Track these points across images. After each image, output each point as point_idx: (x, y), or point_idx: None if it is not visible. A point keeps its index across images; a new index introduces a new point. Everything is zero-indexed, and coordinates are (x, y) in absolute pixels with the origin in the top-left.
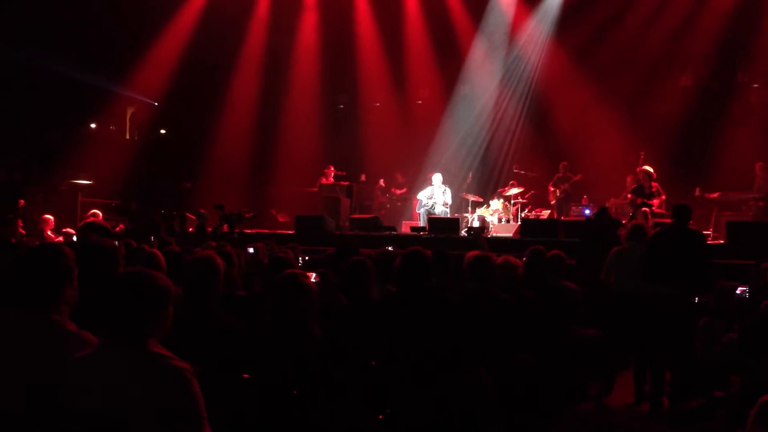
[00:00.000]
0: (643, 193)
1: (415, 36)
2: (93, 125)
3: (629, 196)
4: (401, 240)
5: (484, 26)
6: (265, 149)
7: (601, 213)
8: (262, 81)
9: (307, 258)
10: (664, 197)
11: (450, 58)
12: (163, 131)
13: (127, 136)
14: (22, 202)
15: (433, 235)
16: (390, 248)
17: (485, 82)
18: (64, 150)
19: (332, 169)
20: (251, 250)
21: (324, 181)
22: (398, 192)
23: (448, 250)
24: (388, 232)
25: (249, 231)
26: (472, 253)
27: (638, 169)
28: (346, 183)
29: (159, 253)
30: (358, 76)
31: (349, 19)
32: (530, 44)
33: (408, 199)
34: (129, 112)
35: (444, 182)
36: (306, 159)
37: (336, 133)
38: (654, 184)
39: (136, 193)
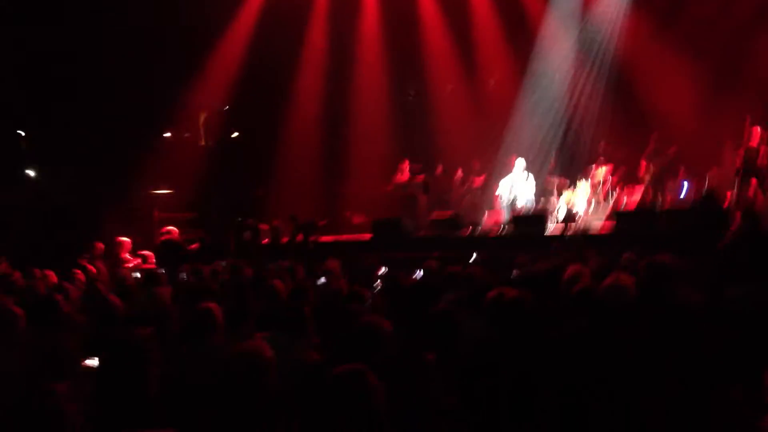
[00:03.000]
0: (752, 159)
1: (481, 14)
2: (167, 134)
3: (738, 160)
4: (482, 243)
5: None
6: (335, 148)
7: (709, 199)
8: (327, 76)
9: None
10: None
11: (520, 34)
12: (235, 134)
13: (202, 143)
14: (100, 247)
15: (519, 232)
16: (474, 255)
17: (561, 57)
18: (139, 162)
19: (407, 163)
20: (322, 280)
21: (399, 177)
22: (477, 180)
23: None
24: (469, 229)
25: (325, 239)
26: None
27: (745, 132)
28: (422, 178)
29: None
30: (426, 63)
31: (412, 2)
32: (608, 11)
33: (489, 187)
34: (202, 117)
35: (526, 168)
36: (379, 154)
37: (407, 124)
38: (766, 149)
39: (212, 203)
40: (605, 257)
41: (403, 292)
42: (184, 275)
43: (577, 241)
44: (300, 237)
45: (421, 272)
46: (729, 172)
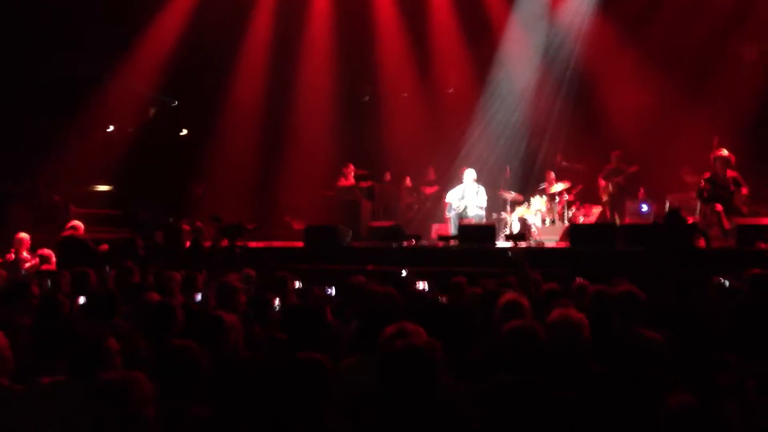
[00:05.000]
0: (717, 184)
1: (441, 15)
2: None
3: (702, 184)
4: (425, 255)
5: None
6: (278, 149)
7: (673, 216)
8: (271, 72)
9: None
10: (746, 191)
11: (482, 40)
12: (184, 132)
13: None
14: None
15: (465, 246)
16: (404, 272)
17: (522, 64)
18: (62, 155)
19: (352, 168)
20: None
21: (343, 182)
22: (429, 190)
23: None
24: (412, 242)
25: (255, 245)
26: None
27: (713, 154)
28: (368, 183)
29: None
30: (380, 66)
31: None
32: (573, 18)
33: (440, 199)
34: (151, 112)
35: (478, 180)
36: (324, 158)
37: (358, 128)
38: (732, 173)
39: (143, 201)
40: (555, 281)
41: (287, 316)
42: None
43: (521, 259)
44: (225, 242)
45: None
46: (690, 197)
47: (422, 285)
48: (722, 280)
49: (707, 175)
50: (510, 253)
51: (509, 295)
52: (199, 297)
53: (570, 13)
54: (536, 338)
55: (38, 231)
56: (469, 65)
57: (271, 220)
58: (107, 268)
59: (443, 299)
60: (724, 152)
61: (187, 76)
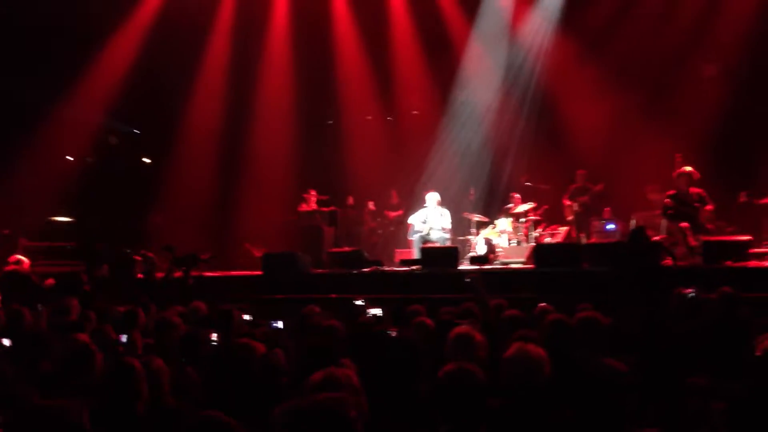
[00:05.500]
0: (682, 201)
1: (402, 36)
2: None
3: (666, 201)
4: (386, 282)
5: (480, 19)
6: (238, 175)
7: (638, 234)
8: (229, 96)
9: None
10: (711, 207)
11: (443, 60)
12: (147, 160)
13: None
14: None
15: (427, 271)
16: (361, 302)
17: (484, 85)
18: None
19: (313, 193)
20: (123, 338)
21: (305, 207)
22: (392, 215)
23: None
24: (374, 268)
25: (211, 274)
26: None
27: (676, 171)
28: (330, 208)
29: None
30: (340, 87)
31: (326, 20)
32: (533, 36)
33: (404, 223)
34: (113, 140)
35: (443, 202)
36: (286, 183)
37: (318, 151)
38: (696, 190)
39: (97, 232)
40: (520, 305)
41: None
42: None
43: (479, 285)
44: (179, 273)
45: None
46: (655, 214)
47: (376, 312)
48: (686, 292)
49: (671, 192)
50: (467, 279)
51: (461, 329)
52: (124, 338)
53: (530, 30)
54: (473, 383)
55: None
56: (430, 86)
57: (232, 248)
58: (39, 306)
59: (394, 331)
60: (687, 168)
61: (143, 102)
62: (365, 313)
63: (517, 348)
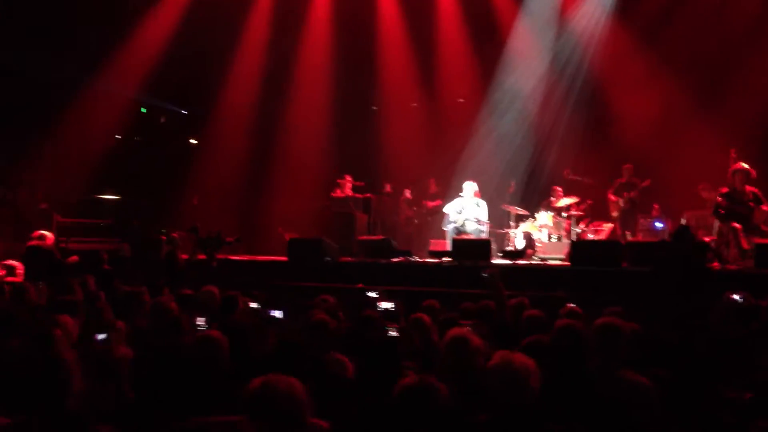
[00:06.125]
0: (735, 200)
1: (448, 20)
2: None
3: (718, 200)
4: (414, 273)
5: (528, 3)
6: (274, 158)
7: (681, 233)
8: (266, 78)
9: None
10: (766, 208)
11: (489, 46)
12: (194, 141)
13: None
14: None
15: (458, 263)
16: (375, 293)
17: (530, 71)
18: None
19: (349, 179)
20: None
21: (339, 193)
22: (430, 204)
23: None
24: (402, 258)
25: (236, 257)
26: (454, 337)
27: (731, 168)
28: (366, 195)
29: None
30: (382, 72)
31: (370, 6)
32: (585, 24)
33: (441, 213)
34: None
35: (482, 193)
36: (322, 168)
37: (358, 137)
38: (751, 189)
39: (136, 211)
40: (547, 306)
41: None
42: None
43: (496, 281)
44: (202, 254)
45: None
46: (707, 215)
47: (388, 306)
48: (736, 297)
49: (724, 190)
50: (484, 273)
51: (457, 331)
52: (102, 336)
53: (582, 17)
54: (431, 402)
55: (20, 240)
56: (475, 74)
57: (265, 232)
58: (39, 284)
59: (394, 327)
60: (744, 165)
61: (182, 81)
62: (375, 306)
63: (500, 358)
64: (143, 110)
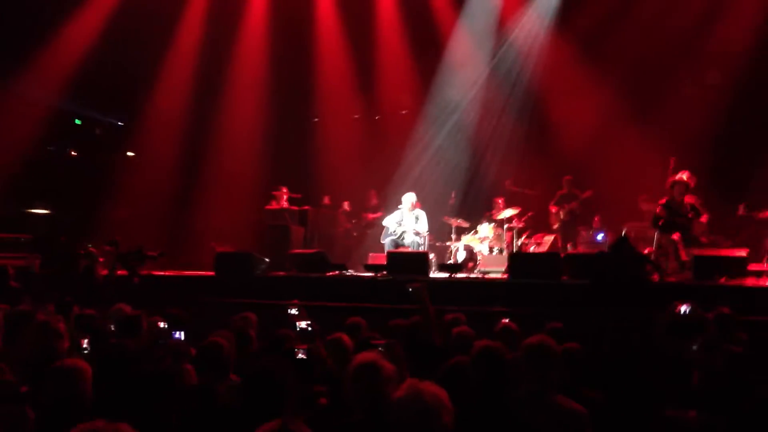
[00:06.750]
0: (674, 211)
1: (387, 30)
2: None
3: (658, 211)
4: (347, 288)
5: (468, 13)
6: (206, 169)
7: (620, 244)
8: (199, 85)
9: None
10: (706, 218)
11: (429, 57)
12: (131, 154)
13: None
14: None
15: (392, 277)
16: (295, 311)
17: (470, 82)
18: None
19: (285, 190)
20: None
21: (274, 205)
22: (370, 216)
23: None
24: (337, 272)
25: (160, 273)
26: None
27: (669, 179)
28: (303, 207)
29: None
30: (320, 82)
31: (307, 10)
32: (525, 35)
33: (380, 226)
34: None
35: (423, 205)
36: (259, 180)
37: (296, 148)
38: (691, 198)
39: (56, 225)
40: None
41: None
42: None
43: (422, 296)
44: (123, 270)
45: None
46: (647, 226)
47: (303, 325)
48: (682, 308)
49: (663, 201)
50: (410, 288)
51: (364, 357)
52: None
53: (521, 28)
54: None
55: None
56: (416, 85)
57: (197, 246)
58: None
59: (302, 349)
60: (683, 176)
61: (107, 89)
62: (293, 324)
63: (408, 388)
64: (78, 121)
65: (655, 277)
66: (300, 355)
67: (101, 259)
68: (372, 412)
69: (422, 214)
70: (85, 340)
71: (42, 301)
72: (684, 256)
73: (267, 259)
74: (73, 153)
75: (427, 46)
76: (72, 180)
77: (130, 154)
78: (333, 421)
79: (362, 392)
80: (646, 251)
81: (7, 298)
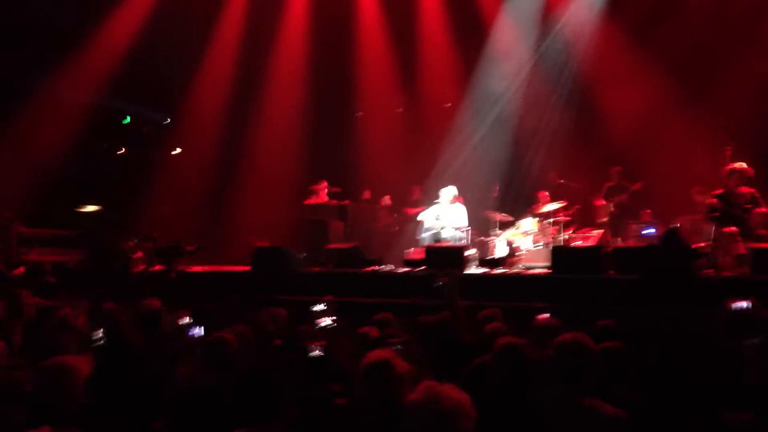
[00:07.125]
0: (730, 202)
1: (430, 23)
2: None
3: (712, 201)
4: (383, 284)
5: (513, 1)
6: (247, 165)
7: (670, 237)
8: (239, 81)
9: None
10: (764, 210)
11: (473, 48)
12: (177, 150)
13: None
14: None
15: (430, 273)
16: (320, 306)
17: (516, 75)
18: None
19: (325, 184)
20: None
21: (313, 200)
22: (412, 211)
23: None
24: (373, 267)
25: (198, 269)
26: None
27: (726, 167)
28: (342, 202)
29: None
30: (363, 75)
31: (348, 5)
32: (573, 23)
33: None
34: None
35: (465, 199)
36: (299, 175)
37: (337, 142)
38: (748, 190)
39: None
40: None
41: None
42: None
43: (452, 291)
44: (160, 266)
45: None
46: (702, 219)
47: (325, 322)
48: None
49: (719, 191)
50: (438, 282)
51: (377, 354)
52: None
53: (570, 16)
54: None
55: None
56: (459, 77)
57: (235, 242)
58: None
59: (318, 347)
60: (742, 165)
61: (152, 86)
62: (314, 322)
63: (425, 391)
64: (126, 120)
65: (710, 271)
66: (316, 353)
67: (140, 254)
68: (382, 415)
69: (462, 208)
70: (99, 333)
71: (77, 297)
72: (741, 250)
73: (304, 254)
74: (121, 151)
75: (470, 36)
76: (120, 177)
77: (176, 151)
78: (346, 421)
79: (372, 393)
80: (700, 245)
81: (44, 293)
